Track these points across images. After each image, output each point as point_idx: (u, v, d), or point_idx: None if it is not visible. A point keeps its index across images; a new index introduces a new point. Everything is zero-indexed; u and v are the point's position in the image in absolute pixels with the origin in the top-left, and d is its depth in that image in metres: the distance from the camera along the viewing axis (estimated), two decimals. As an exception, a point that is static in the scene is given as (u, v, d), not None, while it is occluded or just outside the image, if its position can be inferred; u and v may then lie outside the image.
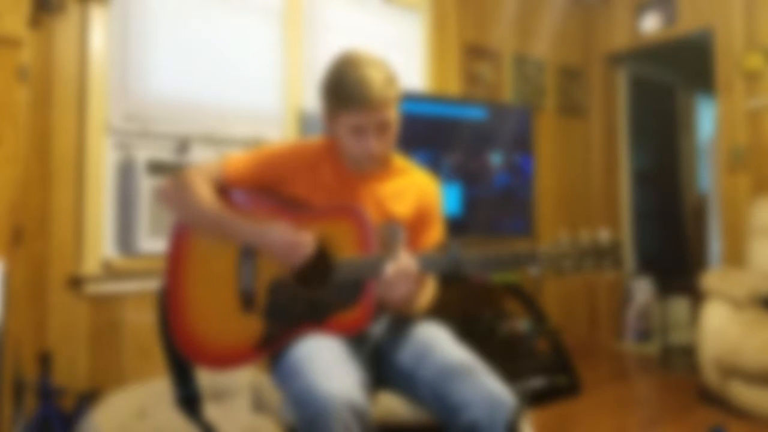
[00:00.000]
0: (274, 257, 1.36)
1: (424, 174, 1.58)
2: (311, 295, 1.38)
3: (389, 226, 1.46)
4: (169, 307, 1.43)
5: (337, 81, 1.37)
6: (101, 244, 2.40)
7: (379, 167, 1.49)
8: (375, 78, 1.35)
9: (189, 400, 1.46)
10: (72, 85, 2.36)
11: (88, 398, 2.20)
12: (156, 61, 2.59)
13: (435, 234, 1.54)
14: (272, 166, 1.46)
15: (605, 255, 1.28)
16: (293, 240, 1.34)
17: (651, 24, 4.04)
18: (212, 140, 2.71)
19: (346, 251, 1.38)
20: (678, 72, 5.17)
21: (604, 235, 1.29)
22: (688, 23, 3.85)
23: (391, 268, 1.30)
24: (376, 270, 1.32)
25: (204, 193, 1.40)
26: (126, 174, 2.49)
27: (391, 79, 1.38)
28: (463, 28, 3.66)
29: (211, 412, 1.59)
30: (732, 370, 2.69)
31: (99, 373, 2.34)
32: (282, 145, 1.52)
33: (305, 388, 1.18)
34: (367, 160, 1.43)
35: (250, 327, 1.38)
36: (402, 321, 1.48)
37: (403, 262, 1.30)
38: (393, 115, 1.40)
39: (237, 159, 1.47)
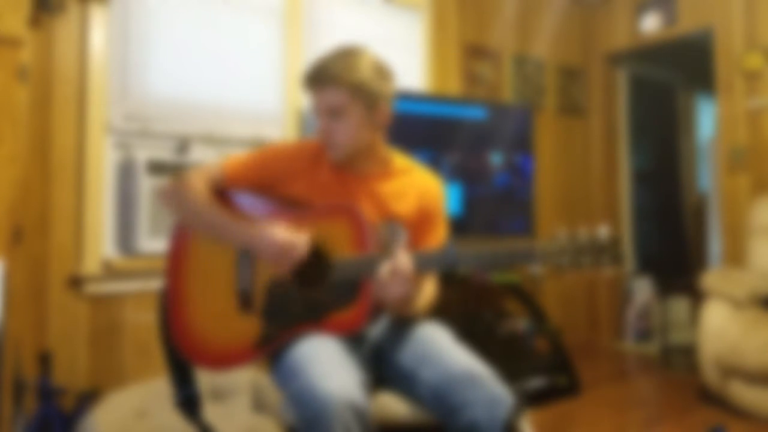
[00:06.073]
0: (267, 260, 1.35)
1: (427, 173, 1.55)
2: (309, 295, 1.38)
3: (390, 226, 1.45)
4: (169, 307, 1.43)
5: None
6: (101, 244, 2.40)
7: (374, 165, 1.48)
8: (330, 59, 1.37)
9: (189, 401, 1.46)
10: (72, 85, 2.36)
11: (88, 398, 2.20)
12: (156, 61, 2.59)
13: (439, 235, 1.52)
14: (270, 166, 1.46)
15: (604, 251, 1.22)
16: (286, 242, 1.31)
17: (651, 24, 4.04)
18: (212, 140, 2.71)
19: (343, 250, 1.37)
20: (678, 72, 5.16)
21: (603, 231, 1.23)
22: (688, 23, 3.85)
23: (385, 268, 1.28)
24: (371, 269, 1.31)
25: (200, 194, 1.40)
26: (126, 174, 2.49)
27: (351, 67, 1.36)
28: (463, 27, 3.66)
29: (211, 412, 1.59)
30: (732, 370, 2.69)
31: (99, 373, 2.34)
32: (280, 144, 1.52)
33: (305, 388, 1.18)
34: (325, 145, 1.43)
35: (249, 327, 1.38)
36: (402, 321, 1.47)
37: (398, 262, 1.28)
38: (344, 101, 1.37)
39: (235, 160, 1.47)
